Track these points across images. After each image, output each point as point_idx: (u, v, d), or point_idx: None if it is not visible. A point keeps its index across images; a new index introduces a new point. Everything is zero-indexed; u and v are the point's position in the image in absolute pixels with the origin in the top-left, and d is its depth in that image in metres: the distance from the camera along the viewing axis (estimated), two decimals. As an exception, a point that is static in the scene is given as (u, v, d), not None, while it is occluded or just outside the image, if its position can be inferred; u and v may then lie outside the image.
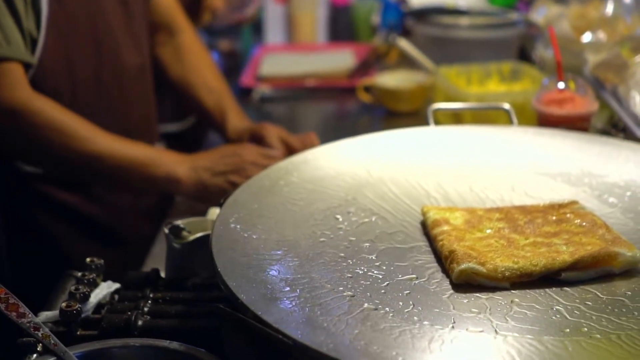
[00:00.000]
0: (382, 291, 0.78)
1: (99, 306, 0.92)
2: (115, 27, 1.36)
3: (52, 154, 1.25)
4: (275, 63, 2.24)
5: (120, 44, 1.37)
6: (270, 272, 0.79)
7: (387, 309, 0.74)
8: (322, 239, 0.87)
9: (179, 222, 1.01)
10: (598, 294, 0.78)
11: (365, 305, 0.75)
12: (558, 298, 0.77)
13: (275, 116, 1.94)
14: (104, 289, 0.94)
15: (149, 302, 0.91)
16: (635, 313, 0.75)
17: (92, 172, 1.28)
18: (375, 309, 0.74)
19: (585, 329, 0.72)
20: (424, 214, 0.93)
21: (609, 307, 0.76)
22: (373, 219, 0.93)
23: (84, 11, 1.31)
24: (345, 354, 0.66)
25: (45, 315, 0.89)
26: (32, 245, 1.40)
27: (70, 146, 1.22)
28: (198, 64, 1.53)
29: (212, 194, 1.24)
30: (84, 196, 1.39)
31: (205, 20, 1.92)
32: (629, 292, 0.79)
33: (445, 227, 0.88)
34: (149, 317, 0.88)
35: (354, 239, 0.88)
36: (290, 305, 0.73)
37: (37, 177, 1.37)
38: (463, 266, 0.80)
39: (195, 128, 1.86)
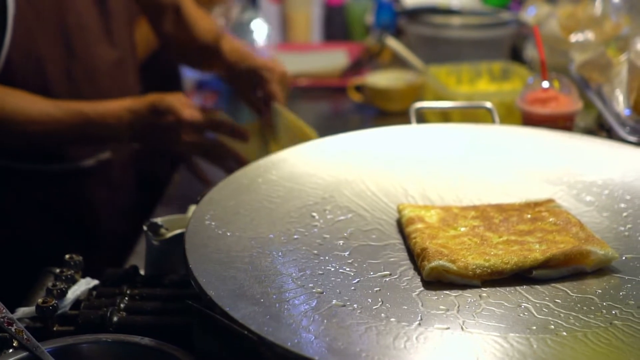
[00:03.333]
0: (352, 288, 0.78)
1: (77, 302, 0.92)
2: (88, 23, 1.36)
3: None
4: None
5: (92, 39, 1.37)
6: (242, 269, 0.79)
7: (355, 305, 0.75)
8: (296, 236, 0.88)
9: (158, 220, 1.01)
10: (568, 292, 0.79)
11: (334, 301, 0.75)
12: (528, 296, 0.78)
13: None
14: (82, 286, 0.94)
15: (126, 298, 0.91)
16: (604, 311, 0.75)
17: (34, 143, 1.30)
18: (344, 306, 0.75)
19: (552, 326, 0.72)
20: (399, 211, 0.93)
21: (578, 305, 0.76)
22: (349, 216, 0.94)
23: (53, 7, 1.31)
24: (309, 349, 0.66)
25: (22, 311, 0.89)
26: (8, 242, 1.40)
27: (7, 127, 1.22)
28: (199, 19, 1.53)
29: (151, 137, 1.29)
30: (58, 192, 1.39)
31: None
32: (600, 291, 0.79)
33: (419, 225, 0.88)
34: (124, 313, 0.88)
35: (328, 236, 0.89)
36: (259, 302, 0.74)
37: (11, 171, 1.37)
38: (434, 264, 0.80)
39: None
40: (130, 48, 1.48)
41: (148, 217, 1.35)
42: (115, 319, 0.87)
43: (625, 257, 0.84)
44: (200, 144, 1.30)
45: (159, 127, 1.27)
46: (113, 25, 1.41)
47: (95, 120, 1.26)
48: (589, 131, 1.38)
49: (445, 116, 1.62)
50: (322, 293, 0.77)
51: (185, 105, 1.28)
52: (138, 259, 1.18)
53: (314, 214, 0.93)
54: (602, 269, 0.82)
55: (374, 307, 0.75)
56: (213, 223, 0.88)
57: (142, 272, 1.00)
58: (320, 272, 0.81)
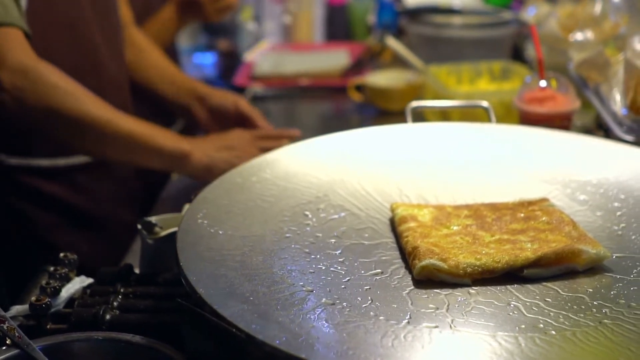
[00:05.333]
0: (343, 286, 0.78)
1: (72, 300, 0.92)
2: (88, 18, 1.38)
3: (62, 114, 1.22)
4: (271, 62, 2.25)
5: (93, 33, 1.39)
6: (233, 268, 0.79)
7: (345, 304, 0.75)
8: (288, 235, 0.88)
9: (152, 218, 1.01)
10: (559, 291, 0.78)
11: (324, 300, 0.75)
12: (518, 295, 0.78)
13: (267, 115, 1.95)
14: (77, 284, 0.94)
15: (119, 296, 0.91)
16: (594, 310, 0.75)
17: (99, 138, 1.26)
18: (333, 304, 0.75)
19: (542, 325, 0.72)
20: (392, 210, 0.93)
21: (568, 304, 0.76)
22: (342, 215, 0.94)
23: (64, 1, 1.33)
24: (297, 347, 0.66)
25: (16, 309, 0.90)
26: (16, 237, 1.41)
27: (80, 108, 1.22)
28: (154, 59, 1.61)
29: (220, 169, 1.26)
30: (59, 186, 1.41)
31: (224, 14, 1.91)
32: (590, 290, 0.79)
33: (412, 224, 0.88)
34: (117, 311, 0.89)
35: (320, 235, 0.89)
36: (248, 300, 0.74)
37: (19, 169, 1.38)
38: (424, 262, 0.80)
39: (183, 134, 1.87)
40: (122, 44, 1.50)
41: (148, 213, 1.37)
42: (107, 317, 0.87)
43: (618, 256, 0.84)
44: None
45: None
46: (107, 22, 1.43)
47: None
48: (587, 130, 1.37)
49: (445, 115, 1.62)
50: (312, 291, 0.77)
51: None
52: (135, 257, 1.18)
53: (307, 212, 0.93)
54: (594, 268, 0.82)
55: (364, 306, 0.75)
56: (205, 222, 0.88)
57: (137, 270, 1.01)
58: (311, 270, 0.81)
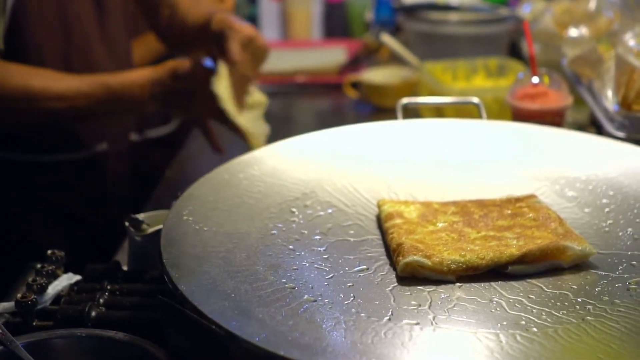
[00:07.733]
0: (325, 283, 0.78)
1: (58, 297, 0.92)
2: (84, 15, 1.38)
3: (14, 121, 1.29)
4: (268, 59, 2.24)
5: (88, 32, 1.39)
6: (216, 264, 0.79)
7: (327, 300, 0.75)
8: (273, 232, 0.87)
9: (140, 215, 1.01)
10: (543, 287, 0.78)
11: (305, 297, 0.75)
12: (502, 291, 0.77)
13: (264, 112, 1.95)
14: (64, 281, 0.94)
15: (106, 293, 0.91)
16: (577, 307, 0.74)
17: (59, 122, 1.34)
18: (315, 301, 0.74)
19: (523, 322, 0.72)
20: (379, 207, 0.93)
21: (552, 301, 0.75)
22: (329, 212, 0.93)
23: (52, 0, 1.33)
24: (276, 344, 0.66)
25: (2, 306, 0.90)
26: (3, 233, 1.41)
27: (31, 108, 1.25)
28: None
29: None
30: (52, 184, 1.41)
31: None
32: (575, 287, 0.78)
33: (398, 221, 0.88)
34: (103, 308, 0.89)
35: (305, 231, 0.88)
36: (230, 297, 0.74)
37: (5, 162, 1.38)
38: (408, 259, 0.79)
39: (178, 132, 1.87)
40: (124, 44, 1.49)
41: (140, 211, 1.36)
42: (93, 314, 0.87)
43: (604, 253, 0.83)
44: (217, 110, 1.30)
45: (178, 92, 1.30)
46: (106, 21, 1.42)
47: (118, 91, 1.29)
48: (580, 127, 1.37)
49: (439, 112, 1.61)
50: (294, 288, 0.77)
51: (204, 71, 1.30)
52: (124, 255, 1.18)
53: (294, 209, 0.93)
54: (580, 265, 0.82)
55: (346, 302, 0.74)
56: (191, 218, 0.88)
57: (125, 267, 1.01)
58: (294, 267, 0.81)
